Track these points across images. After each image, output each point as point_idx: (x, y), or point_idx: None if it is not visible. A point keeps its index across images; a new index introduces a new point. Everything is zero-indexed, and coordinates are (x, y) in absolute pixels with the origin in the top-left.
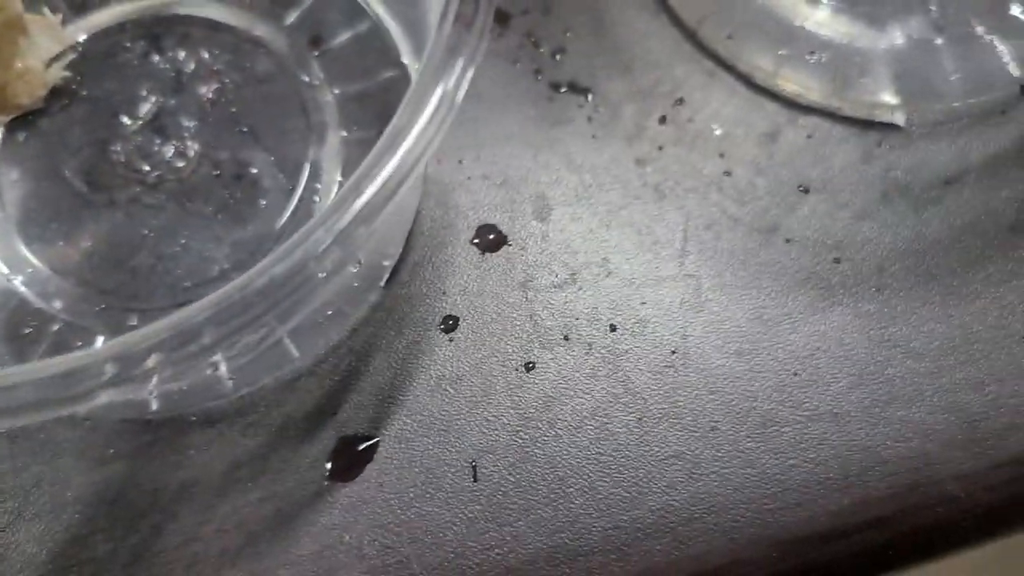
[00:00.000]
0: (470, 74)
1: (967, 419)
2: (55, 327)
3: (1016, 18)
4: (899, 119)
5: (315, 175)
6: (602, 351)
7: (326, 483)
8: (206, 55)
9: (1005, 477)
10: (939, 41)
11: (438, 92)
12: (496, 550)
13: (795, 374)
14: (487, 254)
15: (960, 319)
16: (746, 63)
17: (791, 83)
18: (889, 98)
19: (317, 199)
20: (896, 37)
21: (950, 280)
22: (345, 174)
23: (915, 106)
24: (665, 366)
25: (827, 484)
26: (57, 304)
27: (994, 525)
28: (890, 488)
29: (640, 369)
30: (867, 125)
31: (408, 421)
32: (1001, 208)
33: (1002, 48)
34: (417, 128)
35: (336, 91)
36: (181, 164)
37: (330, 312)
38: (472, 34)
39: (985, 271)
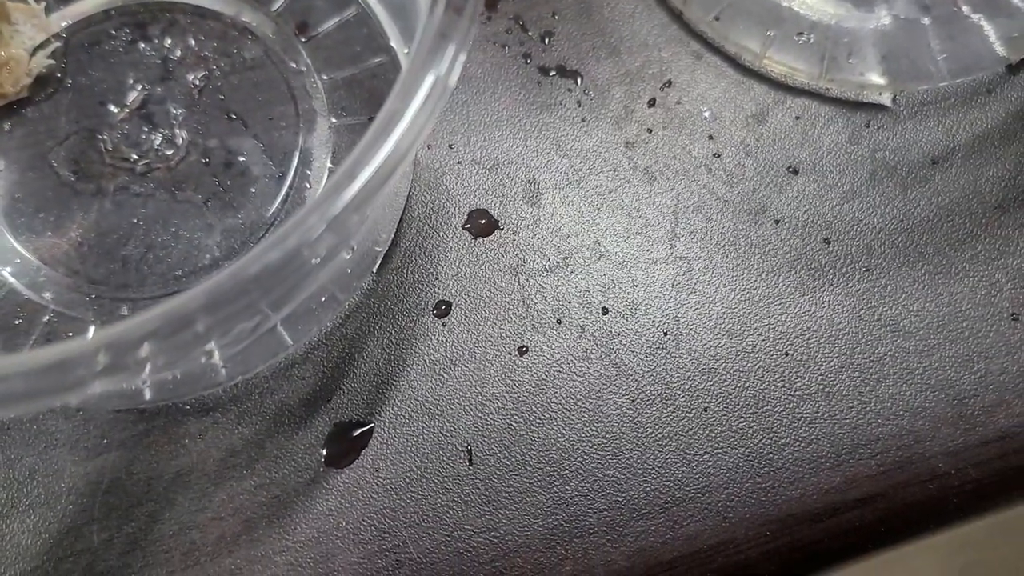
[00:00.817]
0: (462, 59)
1: (956, 396)
2: (45, 318)
3: None
4: (886, 99)
5: (305, 162)
6: (594, 334)
7: (322, 469)
8: (193, 42)
9: (994, 453)
10: (926, 21)
11: (430, 78)
12: (492, 533)
13: (786, 354)
14: (479, 239)
15: (948, 297)
16: (733, 44)
17: (779, 64)
18: (877, 78)
19: (308, 186)
20: (883, 17)
21: (938, 259)
22: (335, 160)
23: (902, 86)
24: (657, 348)
25: (818, 462)
26: (47, 295)
27: (984, 501)
28: (881, 465)
29: (632, 351)
30: (855, 106)
31: (402, 406)
32: (988, 187)
33: (988, 27)
34: (410, 114)
35: (324, 77)
36: (170, 152)
37: (323, 299)
38: (463, 19)
39: (973, 250)
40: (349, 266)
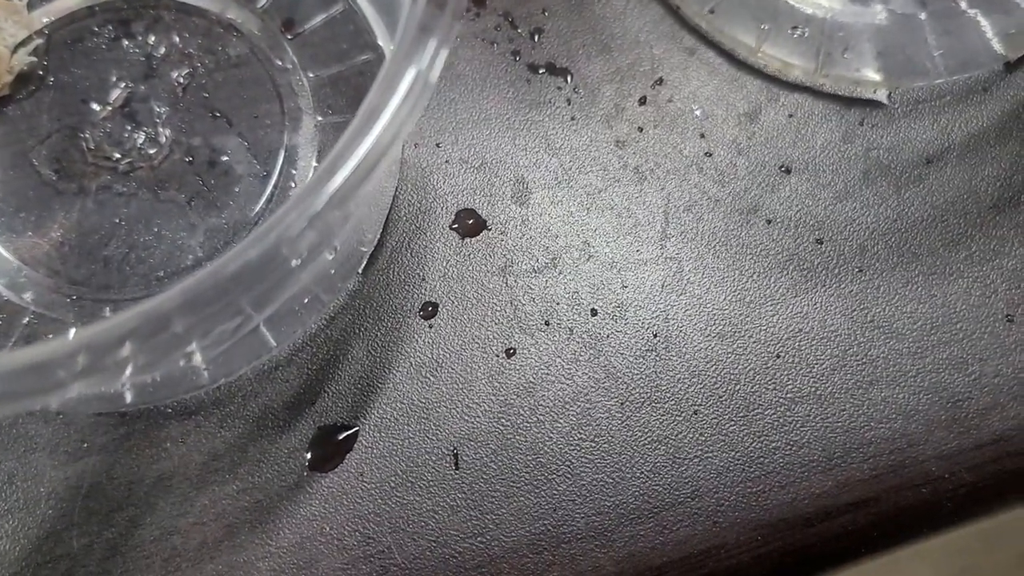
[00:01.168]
0: (444, 54)
1: (950, 399)
2: (25, 319)
3: None
4: (882, 96)
5: (290, 160)
6: (583, 336)
7: (305, 473)
8: (177, 39)
9: (988, 456)
10: (922, 16)
11: (411, 72)
12: (479, 538)
13: (777, 356)
14: (467, 239)
15: (942, 299)
16: (728, 38)
17: (774, 59)
18: (872, 74)
19: (293, 185)
20: (879, 12)
21: (932, 260)
22: (321, 159)
23: (898, 83)
24: (647, 350)
25: (810, 466)
26: (27, 296)
27: (978, 505)
28: (873, 469)
29: (621, 353)
30: (849, 103)
31: (388, 409)
32: (983, 187)
33: (985, 23)
34: (391, 109)
35: (310, 75)
36: (153, 151)
37: (307, 300)
38: (446, 14)
39: (967, 250)
40: (333, 267)
